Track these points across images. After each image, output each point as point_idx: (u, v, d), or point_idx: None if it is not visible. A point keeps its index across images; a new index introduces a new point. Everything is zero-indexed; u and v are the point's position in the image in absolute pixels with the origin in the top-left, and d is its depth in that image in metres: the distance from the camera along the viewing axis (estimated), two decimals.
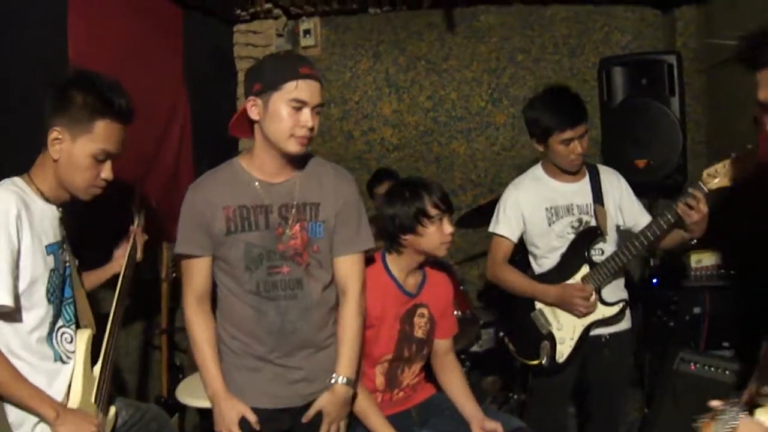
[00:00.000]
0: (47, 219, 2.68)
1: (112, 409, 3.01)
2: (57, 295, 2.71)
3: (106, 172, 2.75)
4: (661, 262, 5.11)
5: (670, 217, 3.58)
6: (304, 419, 3.05)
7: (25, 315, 2.59)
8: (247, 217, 2.93)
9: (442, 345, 3.70)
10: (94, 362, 2.87)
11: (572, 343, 3.87)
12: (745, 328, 4.35)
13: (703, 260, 4.78)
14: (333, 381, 3.06)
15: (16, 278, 2.51)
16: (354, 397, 3.19)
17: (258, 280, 2.94)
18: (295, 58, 3.11)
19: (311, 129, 2.87)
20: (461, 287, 4.89)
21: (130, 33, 4.28)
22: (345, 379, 3.07)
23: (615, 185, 3.98)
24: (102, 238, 3.41)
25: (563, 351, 3.89)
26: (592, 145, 5.70)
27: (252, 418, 2.95)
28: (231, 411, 2.96)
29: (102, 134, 2.66)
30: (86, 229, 3.12)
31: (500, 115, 6.15)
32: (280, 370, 3.00)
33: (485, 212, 4.31)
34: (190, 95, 5.09)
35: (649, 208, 5.19)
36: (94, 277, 3.27)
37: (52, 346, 2.70)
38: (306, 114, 2.84)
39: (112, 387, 3.00)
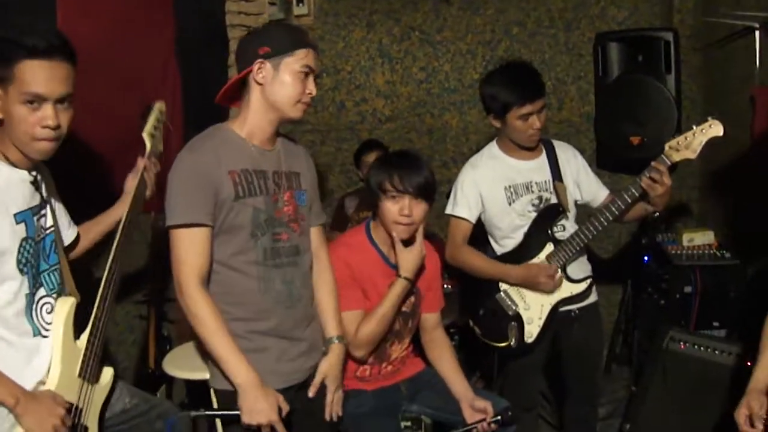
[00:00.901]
0: (14, 185, 2.53)
1: (108, 373, 2.86)
2: (33, 264, 2.57)
3: (46, 117, 2.46)
4: (652, 241, 5.10)
5: (634, 191, 3.59)
6: (311, 391, 3.05)
7: None
8: (251, 181, 2.87)
9: (430, 319, 3.69)
10: (82, 331, 2.71)
11: (540, 323, 3.86)
12: (737, 308, 4.37)
13: (695, 239, 4.78)
14: (330, 342, 3.13)
15: None
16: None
17: (265, 247, 2.88)
18: (300, 27, 3.11)
19: (311, 96, 2.93)
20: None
21: (119, 7, 4.21)
22: (339, 338, 3.15)
23: (572, 160, 3.96)
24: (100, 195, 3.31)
25: (532, 331, 3.87)
26: (585, 121, 5.72)
27: (285, 406, 2.81)
28: (269, 400, 2.76)
29: (25, 78, 2.41)
30: (80, 186, 3.03)
31: None
32: (286, 345, 2.95)
33: None
34: (181, 64, 5.03)
35: None
36: (98, 227, 3.15)
37: (30, 320, 2.57)
38: (311, 81, 2.90)
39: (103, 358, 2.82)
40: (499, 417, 3.33)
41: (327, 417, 3.08)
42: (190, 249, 2.75)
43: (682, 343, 4.10)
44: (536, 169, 3.88)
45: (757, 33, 4.29)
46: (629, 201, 3.62)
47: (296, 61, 2.84)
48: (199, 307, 2.72)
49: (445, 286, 4.60)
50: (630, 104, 5.03)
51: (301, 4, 6.22)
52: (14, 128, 2.46)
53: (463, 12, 6.12)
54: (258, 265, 2.87)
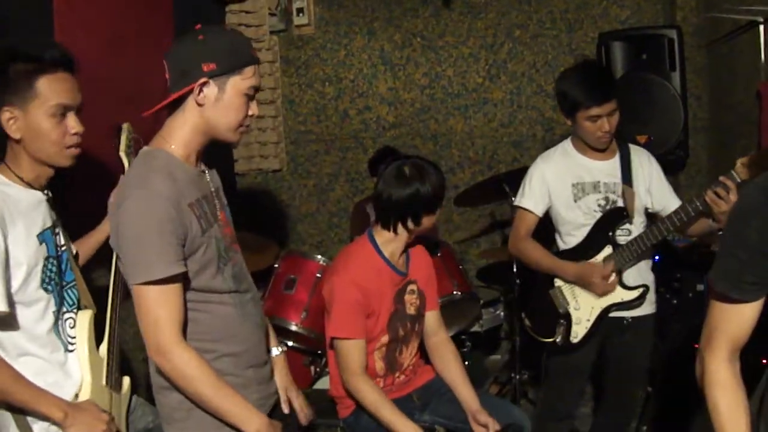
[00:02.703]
0: (33, 207, 2.58)
1: (126, 381, 2.95)
2: (56, 281, 2.62)
3: (74, 125, 2.57)
4: (663, 239, 5.06)
5: (698, 204, 3.47)
6: (285, 407, 3.00)
7: (26, 310, 2.51)
8: (205, 210, 2.58)
9: (431, 319, 3.66)
10: (99, 341, 2.79)
11: (588, 324, 3.82)
12: None
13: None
14: (276, 354, 3.04)
15: (8, 280, 2.41)
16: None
17: (231, 275, 2.65)
18: (243, 36, 2.70)
19: (251, 117, 2.65)
20: (460, 266, 4.84)
21: (119, 14, 4.20)
22: (277, 349, 3.06)
23: (646, 166, 3.89)
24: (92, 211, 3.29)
25: (578, 331, 3.84)
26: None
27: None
28: None
29: (49, 91, 2.49)
30: (73, 202, 3.01)
31: (498, 92, 6.07)
32: (261, 373, 2.82)
33: (484, 190, 4.27)
34: None
35: None
36: (90, 241, 3.14)
37: (59, 336, 2.63)
38: (255, 103, 2.63)
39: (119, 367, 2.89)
40: None
41: (304, 422, 3.03)
42: (168, 305, 2.43)
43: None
44: (607, 170, 3.84)
45: (761, 27, 4.25)
46: (692, 214, 3.52)
47: (243, 80, 2.53)
48: (192, 366, 2.46)
49: (454, 293, 4.58)
50: (635, 103, 5.00)
51: (301, 14, 6.23)
52: (40, 143, 2.53)
53: (464, 16, 6.10)
54: (232, 294, 2.65)
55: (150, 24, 4.61)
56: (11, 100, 2.47)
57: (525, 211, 3.94)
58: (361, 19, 6.27)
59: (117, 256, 2.78)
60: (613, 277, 3.74)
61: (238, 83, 2.52)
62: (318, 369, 4.67)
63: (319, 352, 4.64)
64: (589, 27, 5.86)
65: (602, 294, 3.77)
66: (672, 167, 5.33)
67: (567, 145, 3.95)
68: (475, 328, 5.00)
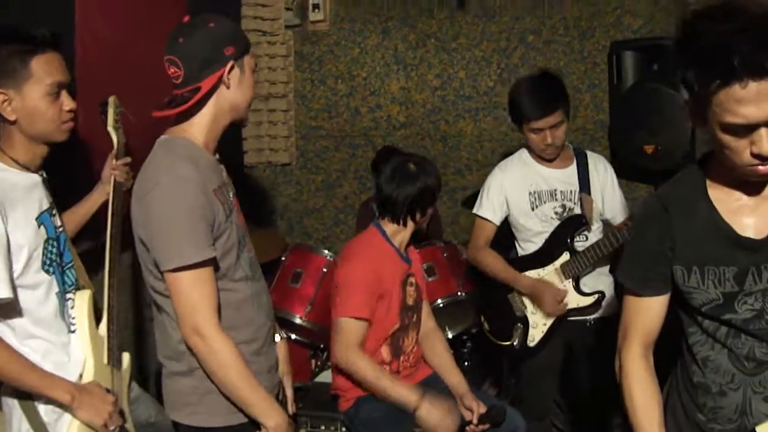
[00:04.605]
0: (30, 189, 2.59)
1: (126, 357, 2.98)
2: (57, 263, 2.65)
3: (67, 103, 2.62)
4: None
5: None
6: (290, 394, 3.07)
7: (29, 294, 2.53)
8: (227, 196, 2.66)
9: (423, 309, 3.81)
10: (98, 320, 2.80)
11: (544, 329, 3.92)
12: None
13: None
14: (277, 341, 3.05)
15: (9, 267, 2.43)
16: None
17: (248, 262, 2.73)
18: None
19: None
20: (466, 268, 4.87)
21: (135, 7, 4.24)
22: (279, 336, 3.08)
23: (602, 173, 3.96)
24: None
25: (535, 335, 3.94)
26: (600, 129, 5.71)
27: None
28: None
29: (43, 71, 2.53)
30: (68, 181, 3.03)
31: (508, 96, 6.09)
32: (270, 362, 2.86)
33: None
34: None
35: None
36: (77, 215, 3.13)
37: (63, 318, 2.65)
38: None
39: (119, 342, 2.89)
40: (486, 416, 3.49)
41: (290, 411, 3.05)
42: (203, 289, 2.48)
43: None
44: (563, 178, 3.91)
45: None
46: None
47: (251, 58, 2.66)
48: (228, 351, 2.51)
49: (458, 293, 4.62)
50: (644, 113, 5.02)
51: (317, 10, 6.25)
52: (38, 122, 2.57)
53: (478, 19, 6.12)
54: (248, 281, 2.72)
55: (165, 16, 4.65)
56: (4, 82, 2.50)
57: (483, 220, 4.03)
58: (376, 17, 6.29)
59: (112, 234, 2.85)
60: (565, 302, 3.83)
61: (250, 61, 2.65)
62: (320, 363, 4.70)
63: (322, 346, 4.68)
64: (602, 35, 5.87)
65: (551, 315, 3.85)
66: None
67: (524, 153, 4.02)
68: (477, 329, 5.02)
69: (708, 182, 2.15)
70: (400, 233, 3.60)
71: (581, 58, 5.94)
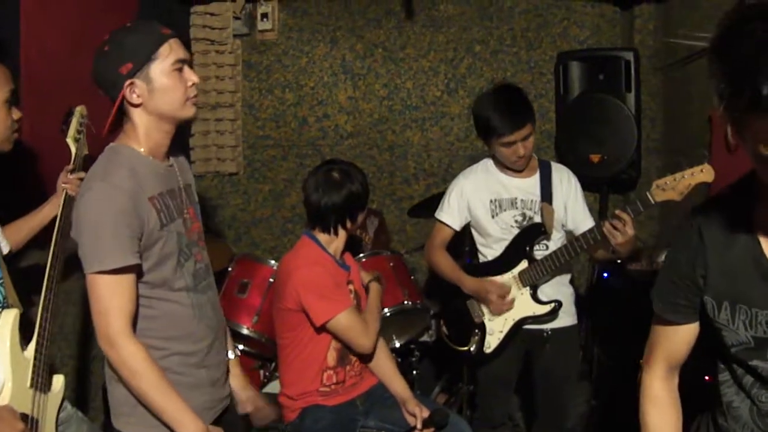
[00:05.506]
0: None
1: (59, 380, 2.85)
2: None
3: (17, 112, 2.69)
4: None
5: (597, 233, 3.55)
6: (241, 407, 3.03)
7: None
8: (168, 204, 2.62)
9: None
10: (28, 340, 2.69)
11: (501, 336, 3.92)
12: None
13: (654, 256, 4.80)
14: (231, 358, 3.03)
15: None
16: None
17: (191, 272, 2.68)
18: (148, 22, 2.69)
19: (196, 85, 2.67)
20: (411, 277, 4.88)
21: (83, 19, 4.20)
22: (233, 353, 3.06)
23: (565, 184, 3.97)
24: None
25: (491, 342, 3.94)
26: (546, 138, 5.76)
27: None
28: None
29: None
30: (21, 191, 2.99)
31: (455, 106, 6.12)
32: (213, 375, 2.82)
33: (437, 202, 4.30)
34: None
35: (600, 203, 5.24)
36: (29, 225, 3.11)
37: None
38: (188, 71, 2.62)
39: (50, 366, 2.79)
40: (430, 420, 3.50)
41: (259, 423, 3.08)
42: (119, 295, 2.45)
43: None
44: (525, 187, 3.91)
45: None
46: (591, 242, 3.60)
47: (163, 61, 2.54)
48: (137, 359, 2.47)
49: (405, 302, 4.61)
50: (590, 122, 5.08)
51: (265, 20, 6.23)
52: None
53: (426, 29, 6.14)
54: (189, 292, 2.67)
55: (114, 22, 4.61)
56: None
57: (442, 224, 4.08)
58: (324, 27, 6.28)
59: (54, 253, 2.80)
60: (509, 298, 3.85)
61: (160, 66, 2.54)
62: (267, 374, 4.67)
63: (269, 356, 4.64)
64: (549, 46, 5.93)
65: (497, 313, 3.88)
66: (624, 186, 5.43)
67: (488, 162, 4.05)
68: (425, 338, 5.03)
69: (758, 204, 1.91)
70: (333, 242, 3.61)
71: (528, 69, 5.99)
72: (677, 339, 2.17)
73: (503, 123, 3.69)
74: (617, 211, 3.44)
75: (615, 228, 3.43)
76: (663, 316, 2.16)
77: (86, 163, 3.11)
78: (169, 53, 2.55)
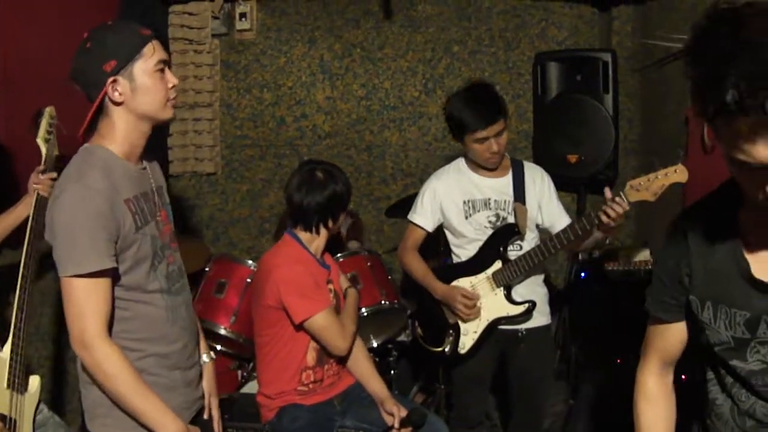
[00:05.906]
0: None
1: (35, 380, 2.86)
2: None
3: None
4: (590, 256, 5.15)
5: (586, 223, 3.54)
6: (207, 414, 3.00)
7: None
8: (143, 207, 2.61)
9: None
10: (4, 341, 2.72)
11: (475, 336, 3.92)
12: None
13: (632, 256, 4.82)
14: (205, 361, 3.04)
15: None
16: None
17: (165, 274, 2.68)
18: (128, 22, 2.68)
19: (176, 87, 2.67)
20: (389, 277, 4.88)
21: (62, 19, 4.18)
22: (207, 356, 3.07)
23: (538, 183, 3.97)
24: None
25: (465, 342, 3.94)
26: (524, 138, 5.77)
27: None
28: None
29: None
30: None
31: (433, 106, 6.10)
32: (188, 377, 2.82)
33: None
34: None
35: (578, 204, 5.25)
36: (1, 225, 3.12)
37: None
38: (169, 73, 2.63)
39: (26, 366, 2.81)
40: (408, 419, 3.54)
41: (218, 430, 3.05)
42: (95, 298, 2.43)
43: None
44: (498, 187, 3.92)
45: None
46: (579, 233, 3.60)
47: (146, 61, 2.53)
48: (112, 362, 2.45)
49: (382, 302, 4.61)
50: (568, 123, 5.10)
51: (243, 19, 6.21)
52: None
53: (404, 30, 6.14)
54: (163, 294, 2.66)
55: (94, 21, 4.59)
56: None
57: (415, 226, 4.08)
58: (302, 27, 6.27)
59: (28, 253, 2.79)
60: (477, 305, 3.86)
61: (143, 65, 2.53)
62: (245, 374, 4.66)
63: (247, 357, 4.63)
64: (527, 46, 5.94)
65: (464, 319, 3.89)
66: (601, 187, 5.43)
67: (461, 162, 4.05)
68: (402, 338, 5.03)
69: (744, 204, 1.91)
70: (314, 241, 3.63)
71: (506, 69, 5.99)
72: (669, 337, 2.22)
73: (475, 119, 3.70)
74: (617, 199, 3.38)
75: (608, 216, 3.37)
76: (654, 314, 2.22)
77: (58, 163, 3.12)
78: (152, 53, 2.55)
